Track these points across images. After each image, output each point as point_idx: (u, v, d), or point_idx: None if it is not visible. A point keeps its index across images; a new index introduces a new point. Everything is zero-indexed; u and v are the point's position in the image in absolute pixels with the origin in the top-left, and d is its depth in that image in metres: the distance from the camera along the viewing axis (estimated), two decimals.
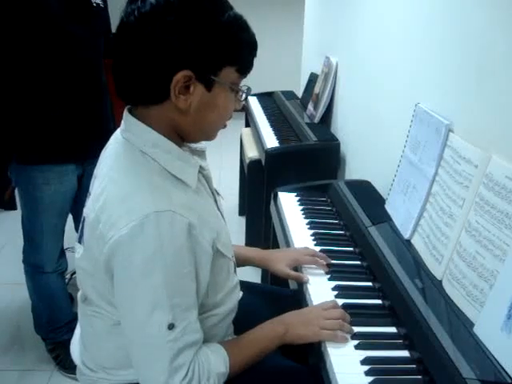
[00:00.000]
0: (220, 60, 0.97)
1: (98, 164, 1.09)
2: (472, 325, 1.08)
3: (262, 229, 2.53)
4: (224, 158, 4.37)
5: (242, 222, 3.25)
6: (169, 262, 0.92)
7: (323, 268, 1.37)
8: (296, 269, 1.38)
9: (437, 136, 1.37)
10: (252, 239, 2.88)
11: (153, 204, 0.92)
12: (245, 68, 1.02)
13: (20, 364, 2.19)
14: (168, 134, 1.01)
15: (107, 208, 0.95)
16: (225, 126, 1.09)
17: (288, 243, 1.56)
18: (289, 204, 1.79)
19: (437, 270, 1.26)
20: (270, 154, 2.34)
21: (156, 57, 0.93)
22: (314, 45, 3.30)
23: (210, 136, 1.08)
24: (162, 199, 0.94)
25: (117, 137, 1.06)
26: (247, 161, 2.80)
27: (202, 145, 1.16)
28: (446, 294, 1.19)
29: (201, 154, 1.15)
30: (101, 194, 0.99)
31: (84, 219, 1.05)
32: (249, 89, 1.06)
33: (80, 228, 1.07)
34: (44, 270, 2.03)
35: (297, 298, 1.36)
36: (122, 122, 1.04)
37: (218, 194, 1.19)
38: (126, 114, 1.03)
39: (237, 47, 0.97)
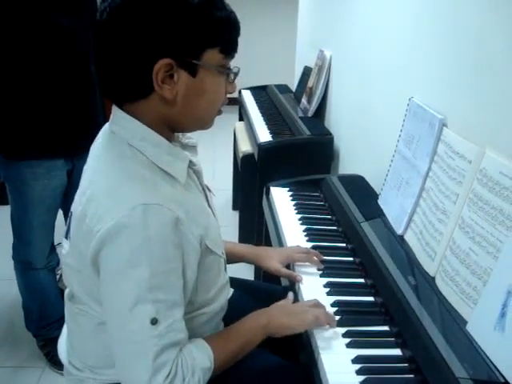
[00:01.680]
0: (199, 43, 0.94)
1: (87, 159, 1.07)
2: (465, 323, 1.06)
3: (255, 223, 2.51)
4: (217, 152, 4.34)
5: (235, 216, 3.23)
6: (155, 256, 0.90)
7: (317, 265, 1.35)
8: (288, 266, 1.36)
9: (430, 131, 1.35)
10: (245, 234, 2.87)
11: (140, 196, 0.90)
12: (228, 48, 0.99)
13: (12, 360, 2.17)
14: (159, 127, 0.99)
15: (94, 201, 0.93)
16: (220, 113, 1.06)
17: (280, 239, 1.54)
18: (281, 199, 1.77)
19: (430, 267, 1.24)
20: (263, 148, 2.32)
21: (131, 49, 0.91)
22: (307, 38, 3.27)
23: (204, 124, 1.05)
24: (149, 192, 0.92)
25: (105, 130, 1.04)
26: (240, 155, 2.78)
27: (193, 140, 1.14)
28: (439, 291, 1.17)
29: (192, 149, 1.13)
30: (87, 187, 0.97)
31: (71, 214, 1.03)
32: (238, 70, 1.03)
33: (67, 223, 1.05)
34: (34, 266, 2.00)
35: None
36: (111, 115, 1.01)
37: (208, 190, 1.17)
38: (114, 107, 1.00)
39: (214, 27, 0.94)
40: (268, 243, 1.85)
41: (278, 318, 1.12)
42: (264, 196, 1.89)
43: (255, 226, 2.48)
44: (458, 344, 1.02)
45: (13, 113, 1.81)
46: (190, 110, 0.99)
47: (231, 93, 1.06)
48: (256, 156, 2.40)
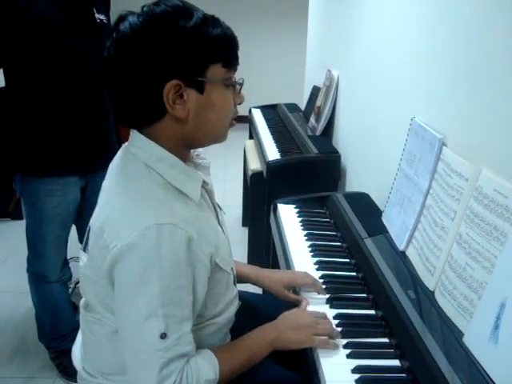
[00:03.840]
0: (201, 61, 1.00)
1: (106, 176, 1.14)
2: (462, 335, 1.09)
3: (264, 240, 2.55)
4: (228, 169, 4.41)
5: (244, 232, 3.27)
6: (166, 273, 0.95)
7: (321, 291, 1.35)
8: (294, 290, 1.38)
9: (431, 150, 1.40)
10: (254, 250, 2.91)
11: (154, 216, 0.96)
12: (229, 62, 1.05)
13: (24, 371, 2.22)
14: (175, 147, 1.05)
15: (111, 219, 1.00)
16: (232, 125, 1.12)
17: (286, 255, 1.59)
18: (288, 215, 1.82)
19: (429, 282, 1.28)
20: (272, 166, 2.37)
21: (140, 77, 0.98)
22: (316, 58, 3.34)
23: (218, 137, 1.11)
24: (163, 212, 0.98)
25: (123, 151, 1.11)
26: (250, 173, 2.84)
27: (207, 160, 1.20)
28: (438, 305, 1.21)
29: (205, 169, 1.18)
30: (105, 205, 1.04)
31: (89, 228, 1.09)
32: (242, 80, 1.09)
33: (85, 237, 1.11)
34: (48, 279, 2.06)
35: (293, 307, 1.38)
36: (130, 137, 1.08)
37: (219, 208, 1.22)
38: (133, 131, 1.07)
39: (213, 44, 1.00)
40: (274, 257, 1.90)
41: (286, 333, 1.16)
42: (271, 213, 1.93)
43: (263, 242, 2.52)
44: (454, 355, 1.06)
45: (30, 132, 1.88)
46: (202, 125, 1.05)
47: (240, 103, 1.13)
48: (265, 173, 2.45)
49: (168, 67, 0.98)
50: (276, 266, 1.80)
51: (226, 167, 4.45)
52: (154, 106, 1.00)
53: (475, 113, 1.27)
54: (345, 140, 2.49)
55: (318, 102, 2.79)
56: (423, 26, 1.60)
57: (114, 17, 1.04)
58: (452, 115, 1.38)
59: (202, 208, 1.09)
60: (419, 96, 1.60)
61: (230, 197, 3.66)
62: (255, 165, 2.85)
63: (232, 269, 1.17)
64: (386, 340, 1.18)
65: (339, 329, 1.20)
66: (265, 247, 2.49)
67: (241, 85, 1.09)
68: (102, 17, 1.96)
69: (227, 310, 1.16)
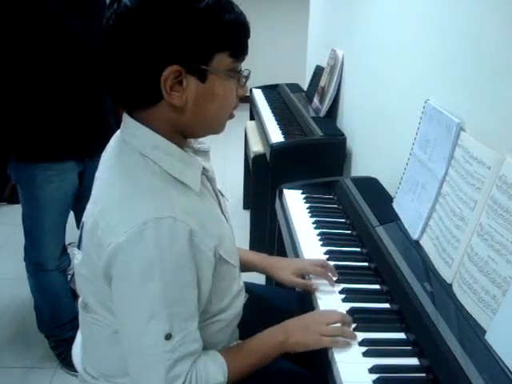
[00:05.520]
0: (207, 48, 0.92)
1: (98, 167, 1.06)
2: (484, 332, 1.04)
3: (267, 224, 2.50)
4: (228, 150, 4.33)
5: (246, 215, 3.21)
6: (168, 270, 0.89)
7: (330, 282, 1.30)
8: (303, 277, 1.33)
9: (447, 135, 1.33)
10: (257, 234, 2.86)
11: (153, 209, 0.89)
12: (238, 51, 0.96)
13: (23, 361, 2.18)
14: (170, 134, 0.97)
15: (105, 213, 0.92)
16: (232, 117, 1.04)
17: (294, 243, 1.53)
18: (294, 201, 1.76)
19: (447, 274, 1.22)
20: (276, 149, 2.30)
21: (139, 56, 0.89)
22: (319, 37, 3.25)
23: (216, 129, 1.03)
24: (162, 204, 0.90)
25: (116, 138, 1.03)
26: (252, 155, 2.77)
27: (206, 145, 1.12)
28: (457, 299, 1.15)
29: (204, 154, 1.11)
30: (99, 198, 0.96)
31: (83, 224, 1.01)
32: (248, 72, 1.01)
33: (79, 234, 1.04)
34: (46, 267, 2.01)
35: (302, 301, 1.33)
36: (122, 123, 1.00)
37: (222, 195, 1.15)
38: (125, 115, 0.99)
39: (222, 31, 0.92)
40: (281, 245, 1.84)
41: (295, 335, 1.10)
42: (277, 198, 1.87)
43: (267, 226, 2.46)
44: (476, 354, 1.00)
45: (24, 115, 1.80)
46: (200, 116, 0.97)
47: (242, 96, 1.05)
48: (268, 156, 2.38)
49: (171, 50, 0.89)
50: (282, 253, 1.75)
51: (227, 148, 4.37)
52: (149, 90, 0.92)
53: (497, 95, 1.20)
54: (350, 122, 2.41)
55: (322, 83, 2.70)
56: (437, 2, 1.52)
57: None
58: (470, 98, 1.31)
59: (203, 197, 1.02)
60: (433, 77, 1.53)
61: (231, 179, 3.59)
62: (257, 147, 2.78)
63: (237, 261, 1.11)
64: (402, 336, 1.13)
65: (353, 325, 1.14)
66: (269, 232, 2.43)
67: (246, 77, 1.01)
68: None
69: (234, 303, 1.10)
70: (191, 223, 0.91)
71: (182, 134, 1.01)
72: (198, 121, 0.98)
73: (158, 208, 0.89)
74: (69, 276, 2.34)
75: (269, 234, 2.43)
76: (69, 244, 2.23)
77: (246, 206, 3.47)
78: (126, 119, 0.98)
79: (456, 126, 1.29)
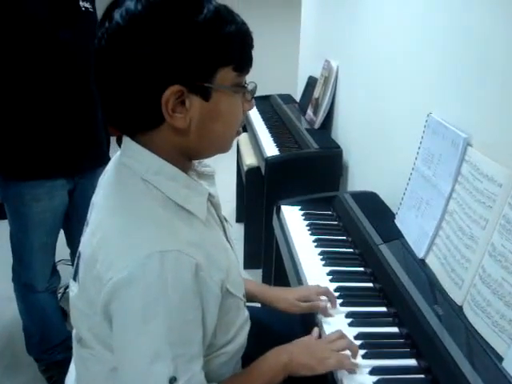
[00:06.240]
0: (210, 63, 0.85)
1: (96, 191, 1.00)
2: (500, 358, 0.99)
3: (263, 239, 2.44)
4: (221, 162, 4.25)
5: (239, 228, 3.15)
6: (172, 309, 0.82)
7: (334, 305, 1.24)
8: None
9: (453, 150, 1.29)
10: (251, 249, 2.80)
11: (156, 242, 0.82)
12: (242, 64, 0.90)
13: None
14: (174, 157, 0.91)
15: (105, 245, 0.85)
16: (239, 133, 0.97)
17: (295, 263, 1.47)
18: (293, 218, 1.71)
19: (456, 295, 1.18)
20: (271, 163, 2.25)
21: (136, 78, 0.82)
22: (311, 47, 3.21)
23: (223, 148, 0.97)
24: (166, 236, 0.84)
25: (116, 161, 0.96)
26: (245, 168, 2.71)
27: (211, 168, 1.06)
28: (468, 322, 1.11)
29: (209, 178, 1.05)
30: (98, 227, 0.89)
31: (79, 255, 0.94)
32: (254, 86, 0.94)
33: (75, 264, 0.97)
34: (35, 289, 1.93)
35: (305, 324, 1.27)
36: (122, 145, 0.94)
37: (226, 221, 1.09)
38: (125, 137, 0.92)
39: (225, 44, 0.85)
40: (278, 262, 1.78)
41: (299, 357, 1.04)
42: (274, 215, 1.81)
43: (263, 241, 2.41)
44: (494, 383, 0.96)
45: (11, 131, 1.73)
46: (206, 137, 0.91)
47: (249, 110, 0.99)
48: (263, 170, 2.33)
49: (170, 69, 0.82)
50: (280, 270, 1.70)
51: (218, 160, 4.28)
52: (149, 113, 0.85)
53: (505, 108, 1.16)
54: (346, 134, 2.37)
55: (316, 94, 2.66)
56: (439, 6, 1.48)
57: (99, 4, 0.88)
58: (477, 111, 1.27)
59: (208, 225, 0.95)
60: (435, 89, 1.48)
61: (223, 191, 3.50)
62: (250, 160, 2.73)
63: (243, 294, 1.04)
64: (414, 363, 1.08)
65: (362, 351, 1.09)
66: (264, 248, 2.37)
67: (253, 91, 0.94)
68: (87, 4, 1.81)
69: (239, 335, 1.03)
70: (197, 256, 0.85)
71: (186, 156, 0.95)
72: (204, 142, 0.91)
73: (161, 240, 0.83)
74: (59, 295, 2.26)
75: (264, 249, 2.38)
76: (58, 261, 2.16)
77: (238, 219, 3.41)
78: (127, 142, 0.92)
79: (463, 141, 1.25)
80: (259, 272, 2.64)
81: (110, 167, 0.99)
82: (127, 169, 0.91)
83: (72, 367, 1.12)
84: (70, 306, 0.98)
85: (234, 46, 0.87)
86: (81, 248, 0.94)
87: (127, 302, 0.82)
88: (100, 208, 0.92)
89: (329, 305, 1.24)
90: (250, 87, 0.94)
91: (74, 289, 0.95)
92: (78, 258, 0.95)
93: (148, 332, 0.81)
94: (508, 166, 1.10)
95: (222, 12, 0.86)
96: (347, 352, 1.06)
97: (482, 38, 1.25)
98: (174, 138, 0.89)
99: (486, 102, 1.23)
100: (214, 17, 0.84)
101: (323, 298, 1.26)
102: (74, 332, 1.02)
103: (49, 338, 2.05)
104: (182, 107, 0.85)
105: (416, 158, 1.49)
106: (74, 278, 0.96)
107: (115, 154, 0.98)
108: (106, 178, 0.97)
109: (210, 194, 0.97)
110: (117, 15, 0.83)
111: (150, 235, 0.83)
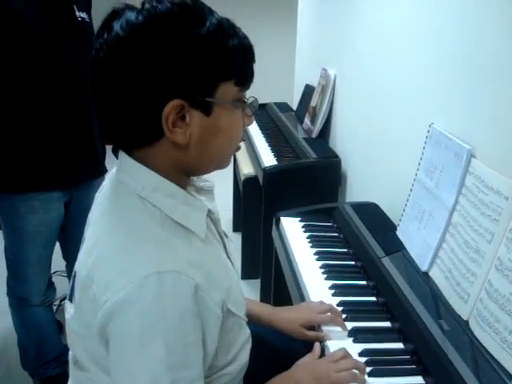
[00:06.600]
0: (211, 78, 0.83)
1: (92, 207, 0.97)
2: (509, 375, 0.97)
3: (261, 249, 2.41)
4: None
5: (236, 238, 3.12)
6: (171, 332, 0.79)
7: (342, 326, 1.20)
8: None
9: (457, 161, 1.27)
10: (248, 259, 2.78)
11: (154, 262, 0.79)
12: (244, 79, 0.88)
13: None
14: (171, 173, 0.88)
15: (101, 265, 0.82)
16: (238, 149, 0.95)
17: (296, 277, 1.44)
18: (293, 230, 1.68)
19: (462, 309, 1.15)
20: (269, 173, 2.23)
21: (135, 92, 0.80)
22: (308, 56, 3.20)
23: (222, 164, 0.95)
24: (164, 256, 0.81)
25: (112, 178, 0.93)
26: (242, 178, 2.69)
27: (210, 182, 1.04)
28: (475, 338, 1.08)
29: (208, 193, 1.02)
30: (94, 246, 0.86)
31: (75, 274, 0.91)
32: (255, 100, 0.92)
33: (70, 284, 0.94)
34: (30, 303, 1.89)
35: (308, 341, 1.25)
36: (118, 161, 0.91)
37: (226, 236, 1.07)
38: (121, 153, 0.90)
39: (227, 58, 0.84)
40: (277, 273, 1.76)
41: (304, 383, 1.01)
42: (274, 226, 1.79)
43: (261, 252, 2.38)
44: None
45: (6, 143, 1.70)
46: (206, 152, 0.88)
47: (248, 125, 0.97)
48: (261, 180, 2.31)
49: (172, 83, 0.80)
50: (280, 282, 1.68)
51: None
52: (148, 128, 0.83)
53: (509, 119, 1.14)
54: (344, 144, 2.35)
55: (313, 103, 2.65)
56: (438, 15, 1.46)
57: (95, 15, 0.85)
58: (481, 122, 1.25)
59: (208, 242, 0.92)
60: (437, 99, 1.47)
61: (220, 200, 3.47)
62: (248, 169, 2.71)
63: (244, 313, 1.01)
64: (421, 381, 1.05)
65: (369, 369, 1.06)
66: (263, 259, 2.35)
67: (254, 106, 0.92)
68: (83, 15, 1.79)
69: (240, 354, 0.99)
70: (197, 276, 0.82)
71: (185, 172, 0.92)
72: (204, 157, 0.89)
73: (159, 260, 0.80)
74: (54, 307, 2.23)
75: (263, 260, 2.35)
76: (54, 273, 2.12)
77: (235, 229, 3.38)
78: (123, 157, 0.89)
79: (467, 152, 1.23)
80: (257, 282, 2.61)
81: (106, 183, 0.96)
82: (124, 186, 0.88)
83: None
84: (66, 328, 0.95)
85: (237, 60, 0.85)
86: (76, 267, 0.91)
87: (124, 325, 0.79)
88: (96, 226, 0.90)
89: (338, 328, 1.21)
90: (250, 101, 0.92)
91: (70, 310, 0.92)
92: (74, 277, 0.92)
93: (145, 356, 0.78)
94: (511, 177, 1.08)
95: (225, 25, 0.84)
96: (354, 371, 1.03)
97: (486, 47, 1.23)
98: (172, 154, 0.86)
99: (490, 113, 1.21)
100: (216, 30, 0.82)
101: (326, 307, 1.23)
102: (70, 354, 0.99)
103: (44, 353, 2.01)
104: (182, 122, 0.83)
105: (418, 169, 1.47)
106: (70, 299, 0.93)
107: (111, 170, 0.96)
108: (102, 195, 0.94)
109: (209, 210, 0.94)
110: (117, 26, 0.81)
111: (148, 255, 0.81)
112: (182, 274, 0.80)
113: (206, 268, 0.86)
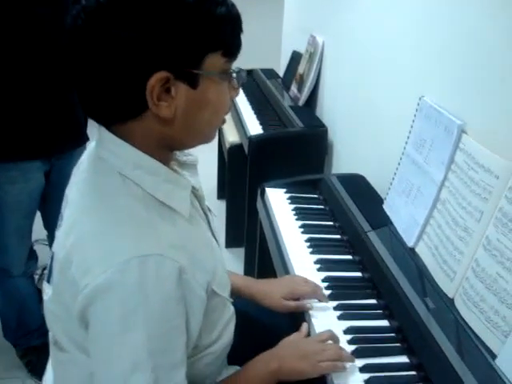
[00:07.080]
0: (199, 48, 0.79)
1: (70, 182, 0.93)
2: (493, 354, 0.97)
3: (245, 218, 2.39)
4: None
5: (220, 205, 3.10)
6: (154, 316, 0.76)
7: (324, 300, 1.20)
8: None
9: (447, 136, 1.25)
10: (233, 229, 2.76)
11: (136, 245, 0.76)
12: (232, 49, 0.83)
13: None
14: (154, 149, 0.84)
15: (80, 247, 0.79)
16: (224, 122, 0.91)
17: (281, 253, 1.42)
18: (278, 202, 1.66)
19: (448, 287, 1.15)
20: (254, 142, 2.19)
21: (118, 63, 0.75)
22: (296, 21, 3.12)
23: (208, 138, 0.90)
24: (147, 238, 0.78)
25: (91, 154, 0.89)
26: (227, 145, 2.65)
27: (193, 156, 1.00)
28: (460, 316, 1.08)
29: (191, 168, 0.98)
30: (72, 227, 0.82)
31: (53, 255, 0.88)
32: (241, 71, 0.88)
33: (48, 265, 0.91)
34: (12, 273, 1.86)
35: (293, 316, 1.24)
36: (97, 136, 0.87)
37: (210, 211, 1.04)
38: (101, 128, 0.85)
39: (215, 28, 0.79)
40: (262, 244, 1.75)
41: (290, 361, 1.00)
42: (259, 197, 1.76)
43: (245, 221, 2.36)
44: (487, 380, 0.94)
45: None
46: (191, 126, 0.84)
47: (235, 97, 0.93)
48: (246, 149, 2.27)
49: (156, 53, 0.75)
50: (264, 252, 1.67)
51: None
52: (131, 102, 0.78)
53: (504, 95, 1.11)
54: (331, 113, 2.31)
55: (301, 70, 2.59)
56: None
57: None
58: (474, 97, 1.22)
59: (192, 221, 0.89)
60: (429, 71, 1.43)
61: (205, 167, 3.44)
62: (233, 137, 2.66)
63: (229, 293, 0.99)
64: (406, 359, 1.06)
65: (353, 347, 1.06)
66: (247, 229, 2.33)
67: (241, 78, 0.88)
68: None
69: (224, 333, 0.98)
70: (180, 259, 0.79)
71: (168, 147, 0.88)
72: (189, 131, 0.85)
73: (141, 243, 0.77)
74: (36, 277, 2.20)
75: (247, 231, 2.33)
76: (35, 241, 2.09)
77: (220, 196, 3.35)
78: (103, 132, 0.84)
79: (457, 127, 1.21)
80: (241, 250, 2.60)
81: (84, 158, 0.92)
82: (103, 163, 0.84)
83: (49, 369, 1.07)
84: (44, 309, 0.92)
85: (225, 29, 0.81)
86: (54, 248, 0.88)
87: (105, 310, 0.76)
88: (74, 205, 0.86)
89: (319, 303, 1.20)
90: (237, 73, 0.88)
91: (47, 291, 0.89)
92: (52, 258, 0.88)
93: (126, 342, 0.76)
94: (506, 157, 1.06)
95: None
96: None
97: (479, 20, 1.20)
98: (156, 128, 0.82)
99: (483, 87, 1.19)
100: None
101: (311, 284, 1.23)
102: (50, 334, 0.96)
103: (26, 323, 1.99)
104: (167, 95, 0.79)
105: (406, 142, 1.45)
106: (48, 281, 0.90)
107: (90, 144, 0.91)
108: (80, 172, 0.90)
109: (193, 187, 0.91)
110: None
111: (129, 238, 0.77)
112: (166, 257, 0.77)
113: (191, 249, 0.83)
